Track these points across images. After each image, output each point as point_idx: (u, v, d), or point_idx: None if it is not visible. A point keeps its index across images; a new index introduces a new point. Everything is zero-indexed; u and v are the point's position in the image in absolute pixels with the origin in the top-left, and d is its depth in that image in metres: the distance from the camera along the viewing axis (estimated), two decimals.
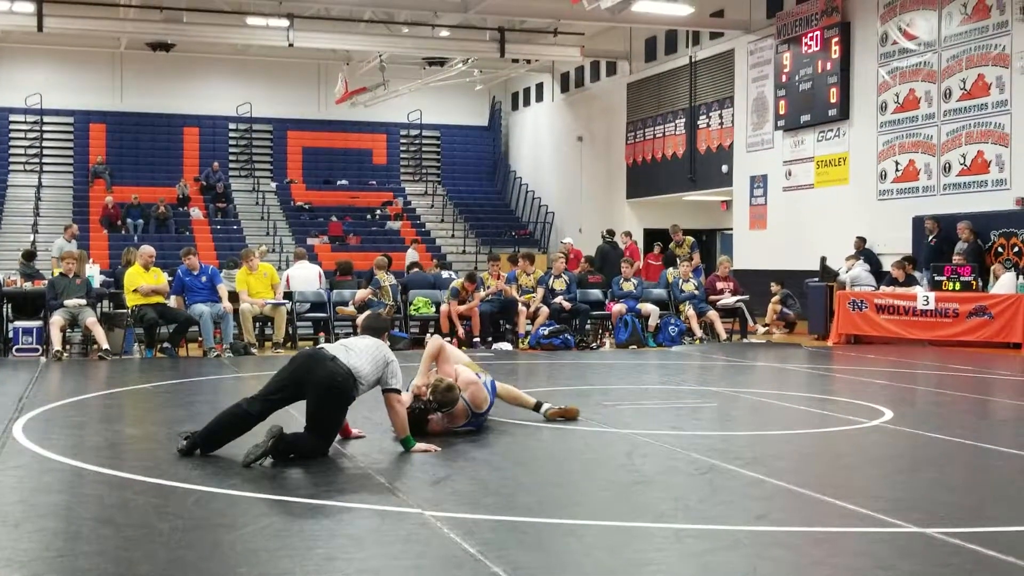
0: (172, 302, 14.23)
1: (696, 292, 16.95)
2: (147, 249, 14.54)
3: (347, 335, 15.84)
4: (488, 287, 16.08)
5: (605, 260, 19.91)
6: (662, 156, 26.52)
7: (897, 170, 19.52)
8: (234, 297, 14.84)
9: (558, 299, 16.01)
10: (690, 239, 20.17)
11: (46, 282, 14.74)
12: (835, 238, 19.77)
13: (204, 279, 14.50)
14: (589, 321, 16.54)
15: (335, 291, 16.06)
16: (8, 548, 4.52)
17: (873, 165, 20.02)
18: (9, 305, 14.59)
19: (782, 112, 22.13)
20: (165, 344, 13.93)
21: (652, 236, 26.50)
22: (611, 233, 22.05)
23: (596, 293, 17.21)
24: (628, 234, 22.94)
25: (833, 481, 6.19)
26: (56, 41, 27.77)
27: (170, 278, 14.62)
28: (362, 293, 15.72)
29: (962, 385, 11.42)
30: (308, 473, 6.17)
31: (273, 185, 32.27)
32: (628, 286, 16.67)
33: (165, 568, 4.22)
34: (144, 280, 13.98)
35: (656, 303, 16.59)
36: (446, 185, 34.13)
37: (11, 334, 14.02)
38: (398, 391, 6.82)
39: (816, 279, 18.35)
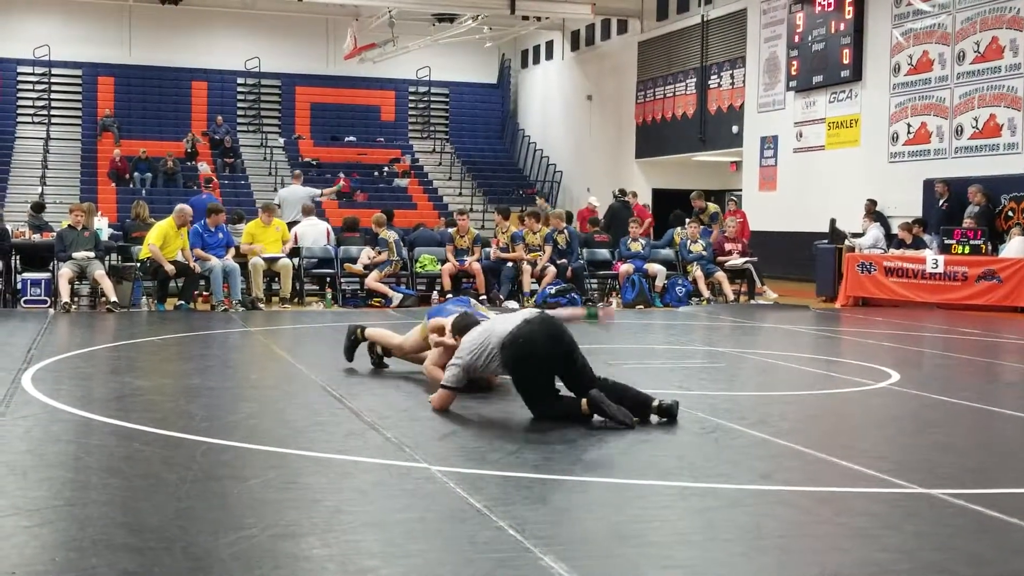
0: (180, 256, 14.20)
1: (704, 253, 16.91)
2: (187, 209, 14.35)
3: (354, 292, 15.87)
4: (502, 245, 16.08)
5: (615, 219, 19.78)
6: (672, 116, 26.39)
7: (909, 132, 19.40)
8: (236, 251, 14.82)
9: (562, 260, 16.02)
10: (713, 206, 19.25)
11: (54, 234, 14.74)
12: (845, 200, 19.68)
13: (221, 236, 14.52)
14: (595, 281, 16.51)
15: (342, 248, 16.02)
16: (17, 497, 4.55)
17: (885, 127, 19.90)
18: (18, 257, 14.60)
19: (794, 73, 21.97)
20: (180, 302, 13.91)
21: (660, 196, 26.42)
22: (623, 192, 21.89)
23: (603, 253, 17.17)
24: (634, 194, 22.84)
25: (838, 442, 6.20)
26: None
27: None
28: (377, 261, 15.39)
29: (969, 348, 11.40)
30: (315, 427, 6.20)
31: (281, 140, 32.16)
32: (636, 246, 16.63)
33: (173, 518, 4.25)
34: (173, 243, 13.86)
35: (663, 263, 16.56)
36: (454, 143, 33.99)
37: (20, 286, 14.04)
38: None
39: (825, 241, 18.29)
